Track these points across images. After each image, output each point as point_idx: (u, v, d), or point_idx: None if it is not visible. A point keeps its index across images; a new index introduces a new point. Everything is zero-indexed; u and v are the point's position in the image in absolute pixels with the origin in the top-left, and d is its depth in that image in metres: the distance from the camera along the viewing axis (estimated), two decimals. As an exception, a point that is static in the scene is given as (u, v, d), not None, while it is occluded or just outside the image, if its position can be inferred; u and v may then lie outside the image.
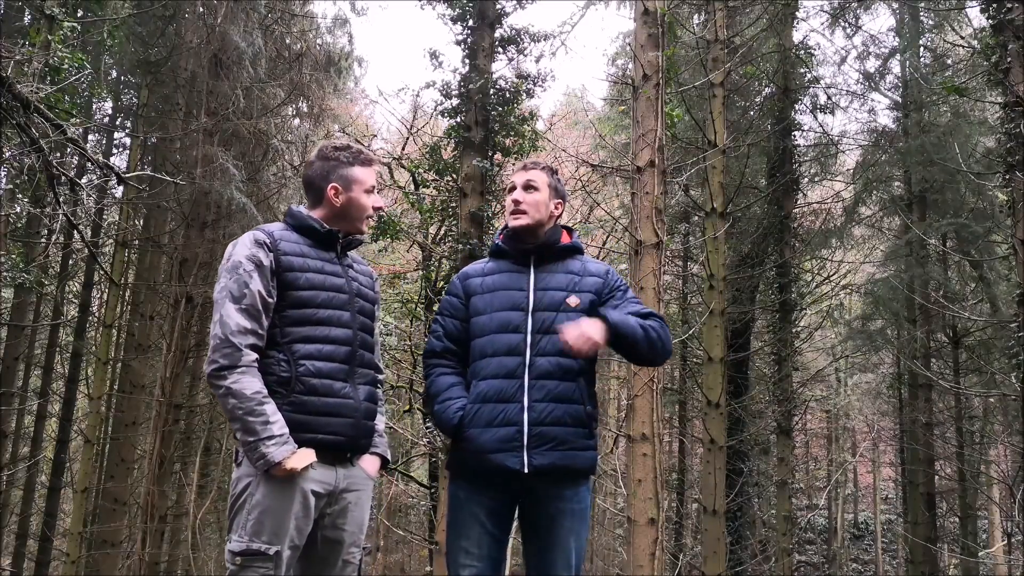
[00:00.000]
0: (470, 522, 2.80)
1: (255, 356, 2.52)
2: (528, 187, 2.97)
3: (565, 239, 3.01)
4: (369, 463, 2.74)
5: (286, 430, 2.47)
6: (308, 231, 2.72)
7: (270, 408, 2.47)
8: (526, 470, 2.71)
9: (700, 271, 12.42)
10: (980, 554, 15.80)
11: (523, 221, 2.93)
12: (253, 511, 2.48)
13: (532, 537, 2.83)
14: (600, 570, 19.48)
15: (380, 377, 2.89)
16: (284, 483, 2.48)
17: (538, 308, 2.86)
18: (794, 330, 13.82)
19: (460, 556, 2.79)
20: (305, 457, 2.49)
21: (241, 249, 2.60)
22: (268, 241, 2.61)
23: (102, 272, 13.44)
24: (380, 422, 2.81)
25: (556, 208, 3.01)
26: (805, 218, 14.58)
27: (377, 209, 2.82)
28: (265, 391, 2.49)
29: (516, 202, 2.94)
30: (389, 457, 2.82)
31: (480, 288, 2.94)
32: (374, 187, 2.81)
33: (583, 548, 2.83)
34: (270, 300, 2.58)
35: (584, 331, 2.67)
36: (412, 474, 17.70)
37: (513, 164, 12.94)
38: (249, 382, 2.47)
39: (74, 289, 15.42)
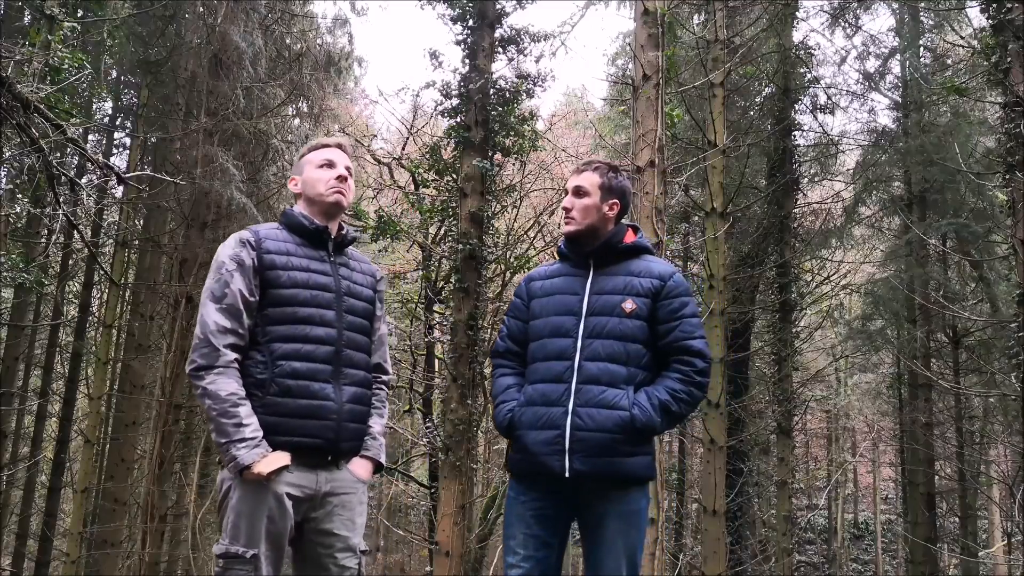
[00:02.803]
0: (516, 523, 2.85)
1: (234, 356, 2.52)
2: (577, 192, 2.95)
3: (630, 238, 2.96)
4: (359, 466, 2.70)
5: (259, 433, 2.46)
6: (298, 229, 2.73)
7: (244, 410, 2.46)
8: (567, 474, 2.72)
9: (700, 271, 12.42)
10: (980, 554, 15.80)
11: (571, 228, 2.94)
12: (231, 514, 2.50)
13: (584, 538, 2.86)
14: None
15: (386, 378, 2.88)
16: (258, 486, 2.47)
17: (592, 312, 2.84)
18: (794, 330, 13.82)
19: (509, 556, 2.84)
20: (276, 461, 2.47)
21: (225, 249, 2.63)
22: (252, 240, 2.63)
23: (102, 272, 13.44)
24: (377, 424, 2.77)
25: (611, 209, 2.95)
26: (805, 218, 14.58)
27: (340, 179, 2.77)
28: (242, 392, 2.48)
29: (566, 209, 2.96)
30: (383, 460, 2.77)
31: (540, 291, 2.98)
32: (329, 161, 2.79)
33: (636, 550, 2.81)
34: (252, 299, 2.58)
35: None
36: (412, 474, 17.70)
37: (513, 164, 12.97)
38: (225, 383, 2.47)
39: (74, 289, 15.41)
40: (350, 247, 2.87)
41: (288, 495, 2.51)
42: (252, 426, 2.45)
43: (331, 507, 2.61)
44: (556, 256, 3.12)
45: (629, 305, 2.83)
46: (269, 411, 2.51)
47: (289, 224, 2.74)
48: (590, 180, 2.96)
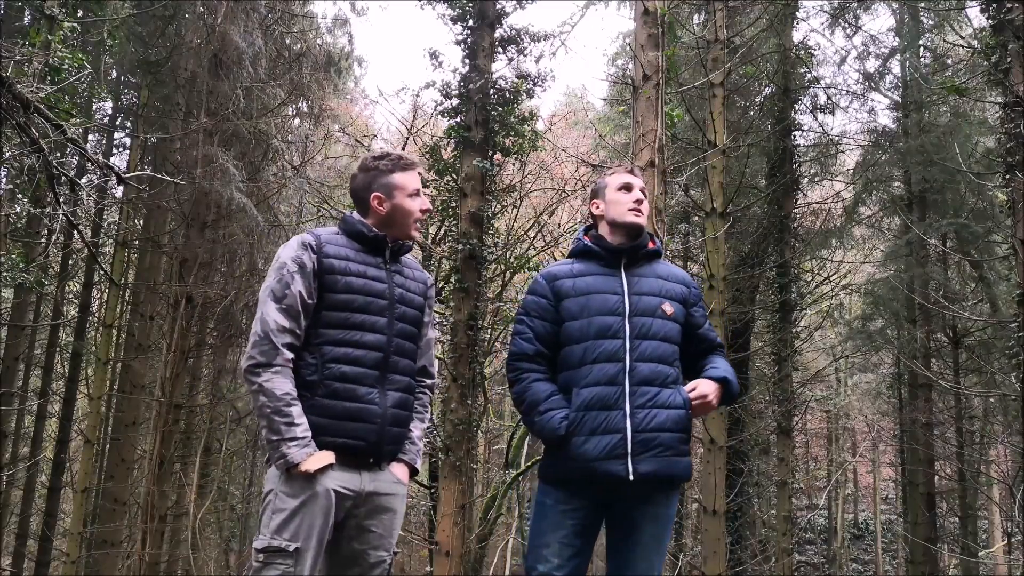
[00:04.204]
0: (552, 531, 2.81)
1: (291, 356, 2.58)
2: (642, 191, 3.01)
3: (650, 243, 3.03)
4: (398, 470, 2.76)
5: (308, 433, 2.54)
6: (357, 236, 2.77)
7: (296, 410, 2.53)
8: (631, 477, 2.70)
9: (700, 271, 12.42)
10: (980, 554, 15.80)
11: (641, 220, 2.95)
12: (276, 510, 2.55)
13: (615, 538, 2.85)
14: (600, 570, 19.48)
15: (430, 382, 2.91)
16: (305, 483, 2.53)
17: (635, 313, 2.84)
18: (794, 330, 13.82)
19: (540, 563, 2.80)
20: (322, 459, 2.55)
21: (287, 251, 2.68)
22: (313, 243, 2.69)
23: (102, 272, 13.44)
24: (417, 428, 2.82)
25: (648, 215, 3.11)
26: (805, 218, 14.58)
27: (425, 211, 2.84)
28: (294, 392, 2.55)
29: (640, 201, 2.95)
30: (418, 465, 2.83)
31: (572, 291, 2.89)
32: (418, 190, 2.83)
33: (664, 551, 2.86)
34: (310, 302, 2.64)
35: (707, 398, 2.81)
36: (412, 474, 17.67)
37: (513, 164, 12.96)
38: (281, 382, 2.54)
39: (74, 289, 15.41)
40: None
41: (336, 492, 2.57)
42: (303, 426, 2.53)
43: (373, 506, 2.68)
44: (568, 255, 3.10)
45: (668, 308, 2.89)
46: (317, 412, 2.58)
47: (349, 231, 2.78)
48: (644, 188, 3.05)
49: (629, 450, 2.71)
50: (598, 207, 3.04)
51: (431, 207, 2.89)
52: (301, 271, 2.63)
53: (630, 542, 2.80)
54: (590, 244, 2.98)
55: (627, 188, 2.99)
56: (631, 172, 3.06)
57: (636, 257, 2.95)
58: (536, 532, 2.85)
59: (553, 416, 2.78)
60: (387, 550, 2.71)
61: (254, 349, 2.56)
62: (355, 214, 2.84)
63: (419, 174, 2.88)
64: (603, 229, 3.02)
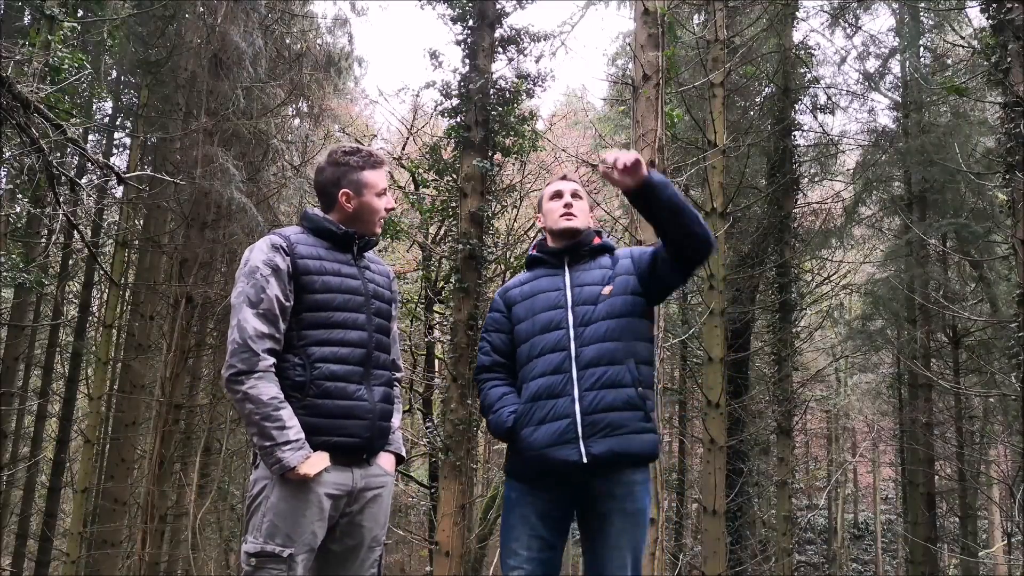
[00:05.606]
0: (520, 524, 2.84)
1: (272, 361, 2.55)
2: (575, 195, 3.08)
3: (596, 240, 3.11)
4: (385, 460, 2.77)
5: (302, 435, 2.51)
6: (325, 234, 2.75)
7: (286, 413, 2.50)
8: (584, 460, 2.72)
9: (700, 271, 12.43)
10: (980, 554, 15.80)
11: (575, 223, 3.02)
12: (268, 513, 2.52)
13: (586, 538, 2.87)
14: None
15: (398, 375, 2.92)
16: (299, 486, 2.51)
17: (577, 303, 2.90)
18: (794, 330, 13.82)
19: (510, 558, 2.83)
20: (319, 462, 2.53)
21: (258, 254, 2.62)
22: (284, 245, 2.64)
23: (102, 272, 13.44)
24: (396, 419, 2.84)
25: (591, 217, 3.18)
26: (805, 218, 14.58)
27: (389, 210, 2.85)
28: (281, 396, 2.52)
29: (569, 205, 3.04)
30: (403, 454, 2.85)
31: (519, 297, 3.03)
32: (385, 189, 2.83)
33: (640, 549, 2.83)
34: (287, 304, 2.61)
35: (624, 153, 2.65)
36: (412, 474, 17.69)
37: (513, 164, 12.97)
38: (266, 387, 2.50)
39: (74, 289, 15.42)
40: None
41: (328, 495, 2.57)
42: (295, 428, 2.50)
43: (364, 502, 2.68)
44: (526, 268, 3.19)
45: (607, 290, 2.91)
46: (309, 413, 2.57)
47: (316, 229, 2.76)
48: (581, 190, 3.14)
49: (580, 433, 2.73)
50: (540, 220, 3.18)
51: (394, 206, 2.88)
52: (275, 274, 2.59)
53: (599, 538, 2.81)
54: (535, 253, 3.11)
55: (558, 195, 3.09)
56: (563, 178, 3.17)
57: (579, 255, 3.03)
58: (506, 527, 2.89)
59: (502, 411, 2.87)
60: (378, 542, 2.72)
61: (234, 358, 2.52)
62: (318, 210, 2.82)
63: (387, 172, 2.88)
64: (548, 239, 3.14)
